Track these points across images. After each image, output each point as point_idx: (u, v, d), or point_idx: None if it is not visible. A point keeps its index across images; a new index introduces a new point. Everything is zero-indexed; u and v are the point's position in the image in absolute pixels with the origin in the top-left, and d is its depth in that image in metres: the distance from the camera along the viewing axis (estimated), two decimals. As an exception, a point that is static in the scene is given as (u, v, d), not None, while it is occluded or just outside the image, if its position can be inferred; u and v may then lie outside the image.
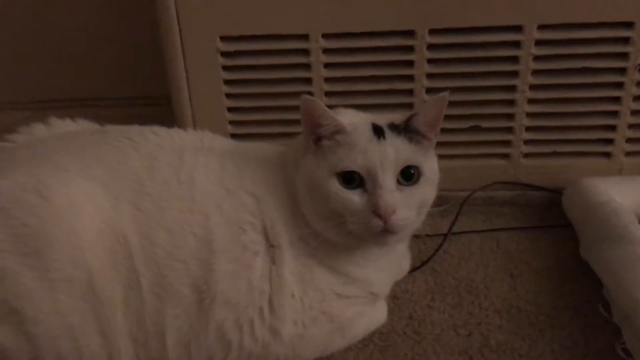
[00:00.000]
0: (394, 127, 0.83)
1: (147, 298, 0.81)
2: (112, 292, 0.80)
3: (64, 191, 0.80)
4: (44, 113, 0.97)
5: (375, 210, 0.78)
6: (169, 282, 0.81)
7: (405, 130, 0.83)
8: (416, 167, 0.82)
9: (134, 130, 0.92)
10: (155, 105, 1.41)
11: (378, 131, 0.82)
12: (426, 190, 0.84)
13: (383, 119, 0.85)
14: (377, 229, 0.79)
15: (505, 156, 1.21)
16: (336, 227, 0.82)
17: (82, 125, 0.97)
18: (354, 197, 0.80)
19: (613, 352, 0.89)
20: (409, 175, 0.81)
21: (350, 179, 0.80)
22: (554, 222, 1.19)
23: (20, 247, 0.76)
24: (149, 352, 0.82)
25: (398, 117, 0.85)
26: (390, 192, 0.79)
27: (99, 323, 0.79)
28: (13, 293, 0.76)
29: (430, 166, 0.85)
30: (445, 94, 0.82)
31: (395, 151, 0.80)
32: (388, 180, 0.79)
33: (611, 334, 0.92)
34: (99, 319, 0.79)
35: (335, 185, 0.80)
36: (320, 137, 0.82)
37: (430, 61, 1.13)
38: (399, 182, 0.81)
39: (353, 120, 0.84)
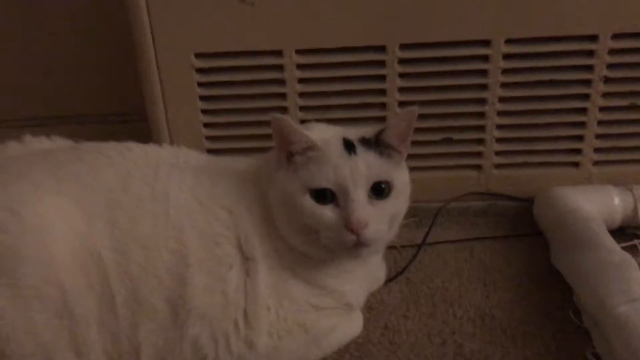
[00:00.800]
0: (364, 141, 0.85)
1: (122, 314, 0.81)
2: (85, 308, 0.80)
3: (36, 208, 0.80)
4: (20, 131, 0.97)
5: (348, 225, 0.80)
6: (143, 297, 0.81)
7: (376, 144, 0.85)
8: (387, 182, 0.83)
9: (109, 146, 0.92)
10: (131, 122, 1.42)
11: (349, 146, 0.83)
12: (398, 203, 0.86)
13: (354, 133, 0.87)
14: (350, 243, 0.81)
15: (477, 167, 1.24)
16: (310, 241, 0.83)
17: (57, 143, 0.98)
18: (327, 213, 0.81)
19: (584, 357, 0.91)
20: (380, 190, 0.83)
21: (323, 195, 0.81)
22: (525, 231, 1.21)
23: (-9, 265, 0.76)
24: (124, 367, 0.83)
25: (369, 131, 0.87)
26: (362, 207, 0.80)
27: (73, 340, 0.79)
28: (-16, 312, 0.76)
29: (401, 179, 0.87)
30: (414, 108, 0.84)
31: (366, 166, 0.82)
32: (360, 194, 0.81)
33: (582, 340, 0.94)
34: (73, 336, 0.79)
35: (308, 202, 0.82)
36: (292, 153, 0.83)
37: (401, 75, 1.15)
38: (370, 197, 0.82)
39: (324, 135, 0.85)
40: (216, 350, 0.84)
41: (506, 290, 1.06)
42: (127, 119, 1.45)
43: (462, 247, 1.18)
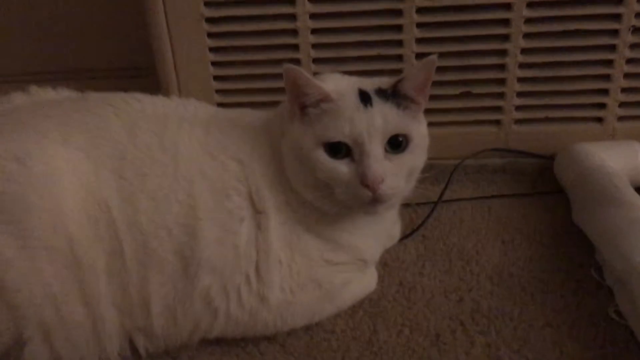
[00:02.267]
0: (381, 92, 0.81)
1: (131, 266, 0.79)
2: (94, 260, 0.78)
3: (43, 158, 0.78)
4: (26, 85, 0.94)
5: (364, 181, 0.77)
6: (152, 249, 0.79)
7: (393, 95, 0.81)
8: (404, 135, 0.80)
9: (116, 97, 0.90)
10: (140, 76, 1.38)
11: (365, 98, 0.80)
12: (415, 157, 0.82)
13: (370, 83, 0.83)
14: (365, 199, 0.78)
15: (497, 123, 1.20)
16: (324, 197, 0.81)
17: (63, 94, 0.95)
18: (341, 168, 0.78)
19: (605, 314, 0.88)
20: (397, 144, 0.80)
21: (337, 149, 0.78)
22: (545, 189, 1.17)
23: (-1, 215, 0.74)
24: (134, 320, 0.81)
25: (386, 81, 0.84)
26: (378, 162, 0.77)
27: (82, 292, 0.78)
28: (-8, 261, 0.74)
29: (420, 132, 0.83)
30: (434, 56, 0.80)
31: (382, 119, 0.78)
32: (376, 149, 0.78)
33: (604, 297, 0.91)
34: (82, 287, 0.78)
35: (322, 156, 0.79)
36: (305, 105, 0.80)
37: (419, 25, 1.10)
38: (386, 150, 0.79)
39: (339, 86, 0.82)
40: (227, 304, 0.82)
41: (525, 248, 1.03)
42: (134, 73, 1.42)
43: (480, 205, 1.15)
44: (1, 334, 0.76)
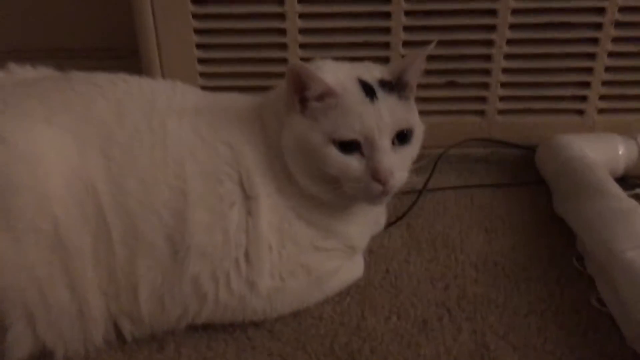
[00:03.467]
0: (384, 84, 0.81)
1: (118, 250, 0.77)
2: (80, 243, 0.76)
3: (27, 137, 0.75)
4: (1, 64, 0.91)
5: (375, 176, 0.77)
6: (141, 232, 0.78)
7: (396, 86, 0.81)
8: (409, 128, 0.81)
9: (101, 77, 0.87)
10: (120, 57, 1.34)
11: (369, 91, 0.79)
12: (416, 148, 0.84)
13: (366, 72, 0.83)
14: (376, 192, 0.78)
15: (480, 113, 1.21)
16: (331, 190, 0.80)
17: (43, 73, 0.92)
18: (353, 163, 0.78)
19: (587, 302, 0.90)
20: (402, 137, 0.80)
21: (348, 145, 0.78)
22: (527, 179, 1.19)
23: (-19, 196, 0.71)
24: (121, 305, 0.79)
25: (383, 70, 0.84)
26: (388, 156, 0.78)
27: (67, 275, 0.76)
28: (-26, 244, 0.71)
29: (418, 123, 0.85)
30: (432, 44, 0.82)
31: (390, 113, 0.78)
32: (385, 143, 0.78)
33: (585, 285, 0.93)
34: (67, 271, 0.75)
35: (333, 152, 0.78)
36: (307, 98, 0.79)
37: (407, 13, 1.10)
38: (393, 143, 0.80)
39: (338, 77, 0.81)
40: (216, 289, 0.81)
41: (508, 237, 1.04)
42: (116, 54, 1.37)
43: (463, 194, 1.16)
44: (-18, 318, 0.73)
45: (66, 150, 0.77)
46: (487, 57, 1.14)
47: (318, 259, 0.86)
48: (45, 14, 1.43)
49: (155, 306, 0.80)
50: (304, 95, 0.79)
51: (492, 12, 1.10)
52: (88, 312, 0.77)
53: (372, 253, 1.01)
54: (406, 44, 1.12)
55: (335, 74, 0.82)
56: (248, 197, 0.82)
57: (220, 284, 0.81)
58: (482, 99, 1.19)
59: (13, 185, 0.72)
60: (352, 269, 0.94)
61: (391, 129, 0.78)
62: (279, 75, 1.11)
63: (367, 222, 0.92)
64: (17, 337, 0.75)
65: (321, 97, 0.78)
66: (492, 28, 1.12)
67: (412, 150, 0.82)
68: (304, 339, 0.85)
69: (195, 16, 1.10)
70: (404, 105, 0.81)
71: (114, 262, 0.77)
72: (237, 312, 0.83)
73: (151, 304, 0.80)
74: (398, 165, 0.79)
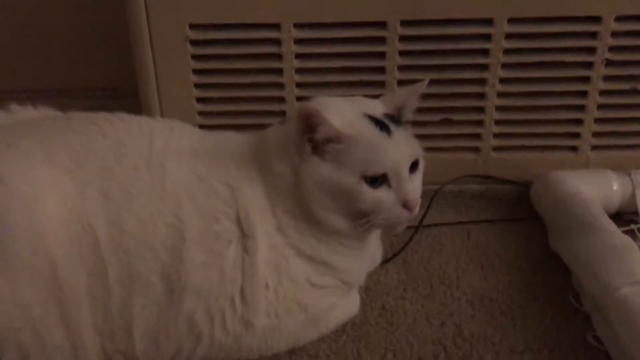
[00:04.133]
0: (390, 118, 0.85)
1: (114, 288, 0.78)
2: (76, 282, 0.77)
3: (25, 177, 0.76)
4: (3, 105, 0.93)
5: (406, 204, 0.82)
6: (137, 271, 0.78)
7: (399, 119, 0.85)
8: (418, 158, 0.85)
9: (100, 116, 0.89)
10: (121, 97, 1.37)
11: (383, 126, 0.82)
12: (422, 175, 0.88)
13: (366, 106, 0.86)
14: (404, 219, 0.84)
15: (475, 149, 1.22)
16: (360, 225, 0.83)
17: (45, 113, 0.94)
18: (384, 196, 0.81)
19: (584, 340, 0.90)
20: (415, 165, 0.85)
21: (376, 180, 0.81)
22: (522, 215, 1.20)
23: (-22, 235, 0.72)
24: (116, 344, 0.79)
25: (376, 103, 0.88)
26: (412, 185, 0.83)
27: (63, 315, 0.76)
28: (-29, 283, 0.72)
29: (421, 151, 0.88)
30: (425, 81, 0.87)
31: (406, 145, 0.83)
32: (407, 173, 0.82)
33: (582, 323, 0.93)
34: (63, 310, 0.76)
35: (365, 188, 0.80)
36: (315, 140, 0.80)
37: (401, 53, 1.12)
38: (410, 173, 0.84)
39: (345, 117, 0.82)
40: (211, 328, 0.81)
41: (504, 274, 1.05)
42: (116, 93, 1.40)
43: (459, 230, 1.16)
44: (-22, 358, 0.73)
45: (64, 190, 0.78)
46: (481, 95, 1.16)
47: (314, 296, 0.86)
48: (45, 54, 1.45)
49: (150, 345, 0.80)
50: (311, 136, 0.80)
51: (485, 52, 1.12)
52: (83, 351, 0.77)
53: (369, 290, 1.01)
54: (401, 82, 1.14)
55: (342, 112, 0.83)
56: (245, 236, 0.82)
57: (215, 323, 0.81)
58: (477, 136, 1.20)
59: (10, 226, 0.73)
60: (348, 306, 0.94)
61: (409, 159, 0.83)
62: (276, 114, 1.16)
63: (364, 257, 0.93)
64: (11, 376, 0.74)
65: (333, 139, 0.80)
66: (485, 67, 1.14)
67: (420, 176, 0.86)
68: (300, 378, 0.85)
69: (194, 57, 1.13)
70: (411, 135, 0.85)
71: (109, 300, 0.78)
72: (232, 350, 0.83)
73: (146, 343, 0.80)
74: (418, 192, 0.84)
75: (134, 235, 0.78)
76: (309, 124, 0.79)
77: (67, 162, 0.80)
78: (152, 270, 0.78)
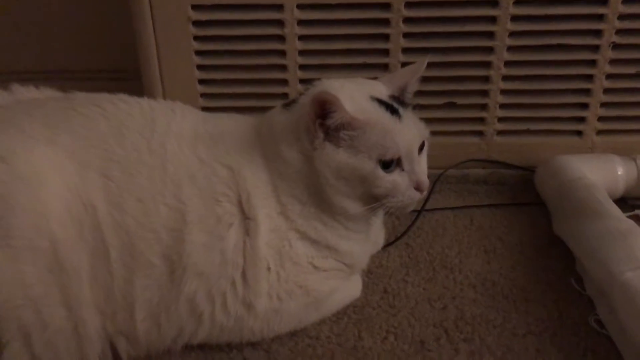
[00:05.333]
0: (396, 100, 0.84)
1: (116, 269, 0.78)
2: (78, 262, 0.76)
3: (27, 157, 0.76)
4: (5, 85, 0.92)
5: (419, 186, 0.82)
6: (139, 252, 0.78)
7: (403, 100, 0.85)
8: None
9: (102, 97, 0.88)
10: (123, 79, 1.36)
11: (392, 109, 0.82)
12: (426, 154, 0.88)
13: (370, 88, 0.85)
14: (414, 200, 0.84)
15: (479, 134, 1.21)
16: (374, 208, 0.83)
17: (46, 93, 0.94)
18: (398, 179, 0.82)
19: (586, 323, 0.90)
20: (422, 147, 0.85)
21: (390, 163, 0.81)
22: (526, 200, 1.19)
23: (-20, 214, 0.72)
24: (117, 324, 0.80)
25: (379, 85, 0.87)
26: (422, 166, 0.84)
27: (64, 294, 0.76)
28: (-28, 261, 0.72)
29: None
30: (425, 59, 0.87)
31: (415, 127, 0.83)
32: (417, 155, 0.83)
33: (584, 307, 0.93)
34: (64, 290, 0.76)
35: (381, 173, 0.81)
36: (327, 125, 0.79)
37: (405, 35, 1.11)
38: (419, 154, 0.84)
39: (354, 101, 0.81)
40: (212, 309, 0.81)
41: (507, 258, 1.04)
42: (118, 75, 1.39)
43: (462, 215, 1.16)
44: (-21, 337, 0.73)
45: (66, 170, 0.77)
46: (486, 79, 1.15)
47: (317, 279, 0.86)
48: (48, 36, 1.45)
49: (151, 326, 0.80)
50: (323, 122, 0.79)
51: (490, 35, 1.11)
52: (84, 331, 0.77)
53: (371, 273, 1.00)
54: (405, 65, 1.12)
55: (352, 96, 0.82)
56: (246, 218, 0.82)
57: (216, 304, 0.81)
58: (481, 120, 1.20)
59: (12, 205, 0.73)
60: (350, 289, 0.94)
61: (419, 141, 0.83)
62: (279, 96, 1.15)
63: (367, 240, 0.92)
64: (13, 356, 0.74)
65: (346, 126, 0.79)
66: (490, 50, 1.13)
67: (426, 157, 0.86)
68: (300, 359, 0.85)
69: (196, 38, 1.12)
70: (416, 116, 0.85)
71: (111, 281, 0.78)
72: (233, 332, 0.83)
73: (147, 324, 0.80)
74: (426, 172, 0.84)
75: (135, 216, 0.78)
76: (323, 110, 0.78)
77: (68, 142, 0.79)
78: (153, 252, 0.78)
